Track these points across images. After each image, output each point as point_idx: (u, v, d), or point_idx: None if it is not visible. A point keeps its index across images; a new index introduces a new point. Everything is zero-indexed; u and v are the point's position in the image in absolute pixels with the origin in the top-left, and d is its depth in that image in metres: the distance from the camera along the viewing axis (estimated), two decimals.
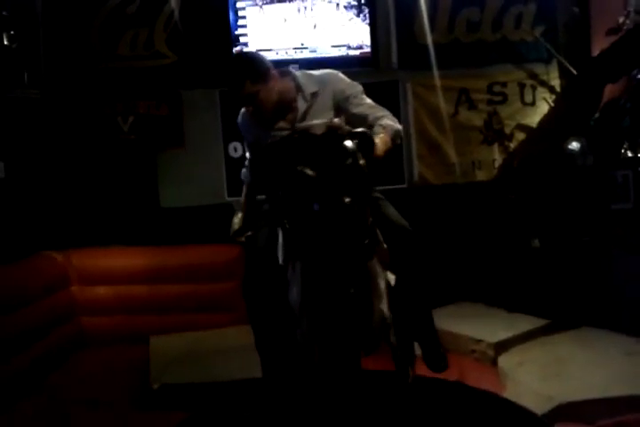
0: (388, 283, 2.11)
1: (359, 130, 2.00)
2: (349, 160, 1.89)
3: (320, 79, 2.47)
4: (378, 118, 2.35)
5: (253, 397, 2.61)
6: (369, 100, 2.46)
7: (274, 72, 2.44)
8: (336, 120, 2.06)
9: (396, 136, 2.32)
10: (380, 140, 2.13)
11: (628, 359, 2.98)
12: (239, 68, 2.46)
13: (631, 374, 2.81)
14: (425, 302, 2.47)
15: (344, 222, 1.87)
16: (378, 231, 2.12)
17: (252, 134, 2.64)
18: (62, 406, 2.78)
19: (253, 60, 2.49)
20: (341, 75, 2.49)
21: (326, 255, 1.91)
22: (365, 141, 1.97)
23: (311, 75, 2.51)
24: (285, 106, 2.46)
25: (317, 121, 2.06)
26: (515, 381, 2.95)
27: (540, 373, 2.95)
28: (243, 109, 2.65)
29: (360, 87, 2.48)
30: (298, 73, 2.52)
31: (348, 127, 2.01)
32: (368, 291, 2.04)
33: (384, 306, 2.07)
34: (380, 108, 2.44)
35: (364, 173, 1.91)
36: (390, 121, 2.35)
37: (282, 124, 2.48)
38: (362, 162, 1.90)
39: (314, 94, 2.44)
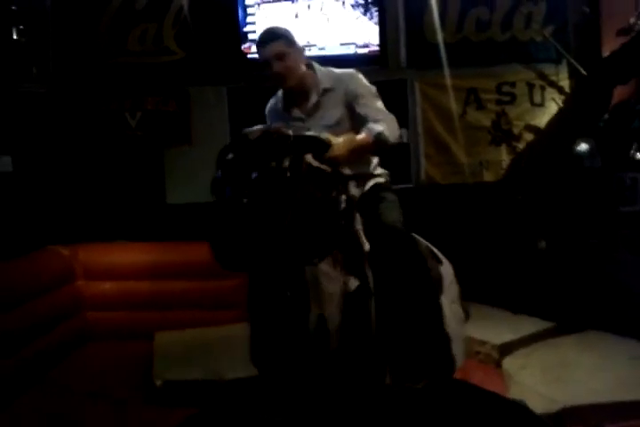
0: (344, 288, 2.11)
1: (308, 134, 2.08)
2: (273, 163, 1.92)
3: (337, 77, 2.48)
4: (375, 121, 2.35)
5: (256, 394, 2.61)
6: (377, 104, 2.45)
7: (300, 47, 2.49)
8: (274, 125, 2.15)
9: (378, 139, 2.29)
10: (343, 142, 2.17)
11: (634, 364, 2.96)
12: (278, 28, 2.50)
13: (636, 378, 2.79)
14: (412, 309, 2.30)
15: (267, 227, 1.86)
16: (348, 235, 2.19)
17: (272, 121, 2.63)
18: (66, 400, 2.80)
19: (290, 31, 2.50)
20: (359, 76, 2.49)
21: (263, 261, 1.93)
22: (311, 145, 2.02)
23: (330, 71, 2.52)
24: (302, 89, 2.49)
25: (258, 126, 2.09)
26: (519, 383, 2.93)
27: (545, 376, 2.94)
28: (271, 100, 2.66)
29: (372, 89, 2.48)
30: (319, 68, 2.53)
31: (288, 132, 2.02)
32: (306, 294, 2.04)
33: (329, 311, 2.07)
34: (385, 112, 2.42)
35: (287, 176, 1.92)
36: (381, 126, 2.31)
37: (296, 111, 2.51)
38: (286, 164, 1.92)
39: (326, 90, 2.46)
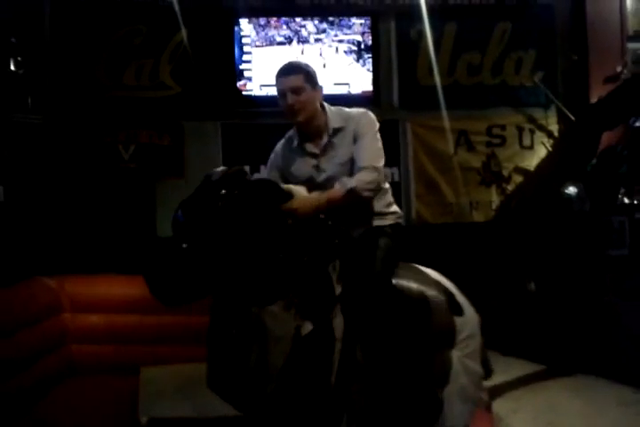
0: (295, 332, 2.08)
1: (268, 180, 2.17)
2: (220, 203, 1.99)
3: (347, 116, 2.49)
4: (358, 169, 2.38)
5: None
6: (374, 146, 2.43)
7: (320, 87, 2.51)
8: (235, 167, 2.17)
9: (350, 195, 2.31)
10: (309, 198, 2.26)
11: (622, 410, 2.96)
12: (301, 62, 2.58)
13: (625, 424, 2.78)
14: (386, 363, 2.24)
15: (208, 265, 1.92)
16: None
17: (285, 159, 2.60)
18: None
19: (312, 67, 2.52)
20: (368, 115, 2.49)
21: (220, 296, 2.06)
22: (268, 191, 2.08)
23: (340, 111, 2.53)
24: (314, 127, 2.49)
25: (220, 168, 2.18)
26: None
27: (535, 421, 2.92)
28: (282, 141, 2.65)
29: (371, 129, 2.46)
30: (329, 108, 2.54)
31: (248, 176, 2.14)
32: (248, 334, 2.06)
33: (271, 354, 2.05)
34: (373, 157, 2.40)
35: (235, 217, 1.97)
36: (355, 180, 2.34)
37: (310, 146, 2.51)
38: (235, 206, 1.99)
39: (337, 129, 2.47)
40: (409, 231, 4.51)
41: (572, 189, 4.17)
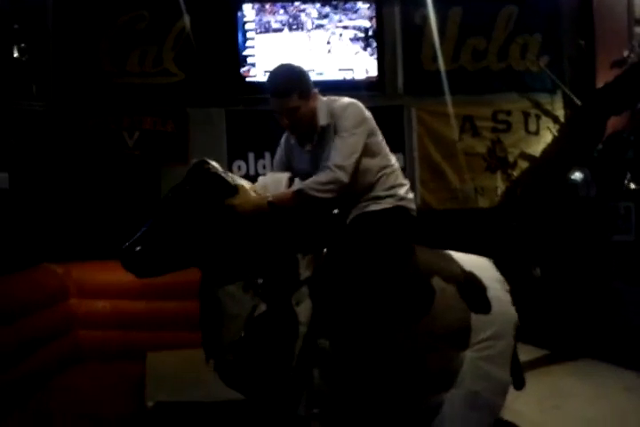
0: (252, 311, 2.20)
1: (224, 175, 2.26)
2: (169, 195, 2.30)
3: (332, 112, 2.41)
4: (320, 169, 2.34)
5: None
6: (345, 141, 2.33)
7: (315, 91, 2.43)
8: (194, 161, 2.32)
9: (297, 196, 2.29)
10: (253, 197, 2.26)
11: (628, 394, 2.96)
12: (292, 79, 2.41)
13: (630, 409, 2.78)
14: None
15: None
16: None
17: (287, 152, 2.59)
18: (56, 421, 2.75)
19: (305, 75, 2.45)
20: (349, 108, 2.38)
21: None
22: (216, 185, 2.24)
23: (329, 105, 2.44)
24: (307, 128, 2.45)
25: (194, 160, 2.34)
26: (514, 411, 2.91)
27: (539, 404, 2.92)
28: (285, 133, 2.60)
29: (350, 123, 2.35)
30: (321, 103, 2.45)
31: (214, 169, 2.26)
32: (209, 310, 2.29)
33: (226, 330, 2.22)
34: (341, 154, 2.31)
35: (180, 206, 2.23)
36: (311, 180, 2.30)
37: (308, 145, 2.48)
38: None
39: (323, 127, 2.41)
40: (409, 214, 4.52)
41: (577, 175, 4.15)
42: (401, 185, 2.46)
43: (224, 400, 2.83)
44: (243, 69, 4.60)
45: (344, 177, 2.28)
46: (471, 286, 2.34)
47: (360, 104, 2.41)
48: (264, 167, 4.58)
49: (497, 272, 2.47)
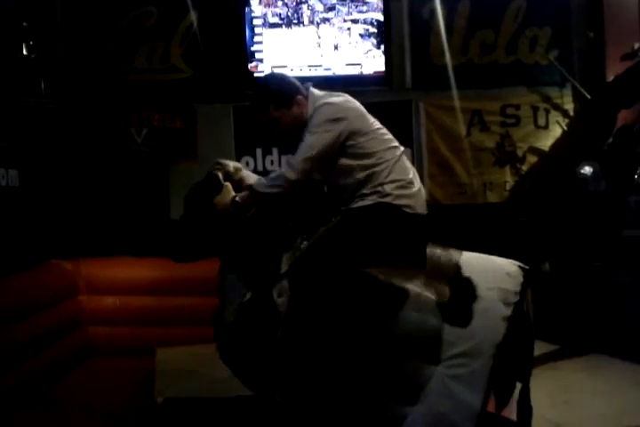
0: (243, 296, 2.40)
1: (219, 173, 2.48)
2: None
3: (313, 110, 2.42)
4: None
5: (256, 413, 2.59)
6: (305, 140, 2.36)
7: (299, 97, 2.44)
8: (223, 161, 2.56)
9: (252, 193, 2.41)
10: (222, 197, 2.42)
11: (638, 389, 2.94)
12: (264, 92, 2.47)
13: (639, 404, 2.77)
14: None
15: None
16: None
17: None
18: (66, 417, 2.76)
19: (278, 84, 2.47)
20: (321, 108, 2.37)
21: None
22: (211, 182, 2.48)
23: (315, 104, 2.43)
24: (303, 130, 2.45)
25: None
26: None
27: (548, 399, 2.91)
28: None
29: (314, 123, 2.36)
30: (316, 97, 2.45)
31: (217, 169, 2.51)
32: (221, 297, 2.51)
33: (226, 313, 2.43)
34: (298, 152, 2.34)
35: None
36: (266, 177, 2.43)
37: None
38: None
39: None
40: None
41: (587, 169, 4.12)
42: (392, 181, 2.36)
43: (233, 396, 2.84)
44: (250, 65, 4.60)
45: (290, 174, 2.32)
46: (456, 293, 2.18)
47: (340, 104, 2.38)
48: (272, 163, 4.59)
49: (512, 282, 2.22)
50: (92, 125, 4.43)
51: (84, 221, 4.26)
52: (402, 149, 2.48)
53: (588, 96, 4.52)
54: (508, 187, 4.72)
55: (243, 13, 4.57)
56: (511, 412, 2.35)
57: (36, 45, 4.06)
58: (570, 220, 4.03)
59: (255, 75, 4.58)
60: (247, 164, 4.56)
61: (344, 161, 2.38)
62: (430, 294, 2.18)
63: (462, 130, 4.72)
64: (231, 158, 4.45)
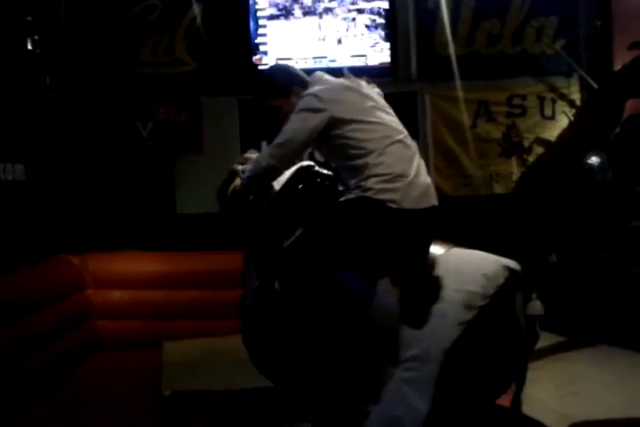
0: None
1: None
2: None
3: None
4: None
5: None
6: (285, 128, 2.35)
7: (296, 88, 2.45)
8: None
9: (242, 180, 2.46)
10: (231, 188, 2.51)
11: None
12: (262, 83, 2.54)
13: None
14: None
15: None
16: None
17: None
18: (75, 410, 2.79)
19: (276, 75, 2.53)
20: (303, 98, 2.35)
21: None
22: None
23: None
24: None
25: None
26: (530, 397, 2.89)
27: (556, 390, 2.91)
28: None
29: (300, 104, 2.34)
30: (312, 83, 2.46)
31: (243, 161, 2.57)
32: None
33: (246, 296, 2.52)
34: (277, 141, 2.33)
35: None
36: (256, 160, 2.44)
37: None
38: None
39: None
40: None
41: (594, 159, 4.09)
42: (376, 175, 2.26)
43: (241, 389, 2.85)
44: (255, 57, 4.58)
45: (262, 159, 2.34)
46: (419, 294, 2.11)
47: (324, 94, 2.33)
48: None
49: (486, 284, 2.08)
50: (97, 120, 4.43)
51: (91, 215, 4.27)
52: (399, 137, 2.34)
53: (595, 86, 4.48)
54: (514, 178, 4.69)
55: (247, 6, 4.54)
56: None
57: (41, 40, 4.06)
58: (577, 211, 4.01)
59: (259, 67, 4.56)
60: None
61: (334, 151, 2.37)
62: (393, 294, 2.15)
63: (468, 121, 4.69)
64: (236, 152, 4.52)
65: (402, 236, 2.23)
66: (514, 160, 4.70)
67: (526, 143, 4.71)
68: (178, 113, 4.55)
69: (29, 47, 4.01)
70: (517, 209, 4.36)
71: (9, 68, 3.72)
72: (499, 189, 4.70)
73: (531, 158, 4.68)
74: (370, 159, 2.27)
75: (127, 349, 3.54)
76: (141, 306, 3.68)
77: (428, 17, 4.69)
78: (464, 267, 2.17)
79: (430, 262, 2.20)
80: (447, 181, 4.68)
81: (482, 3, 4.69)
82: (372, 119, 2.34)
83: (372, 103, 2.39)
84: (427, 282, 2.14)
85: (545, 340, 3.56)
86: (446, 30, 4.65)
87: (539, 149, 4.68)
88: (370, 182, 2.25)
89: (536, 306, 2.16)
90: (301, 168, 2.52)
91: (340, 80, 2.47)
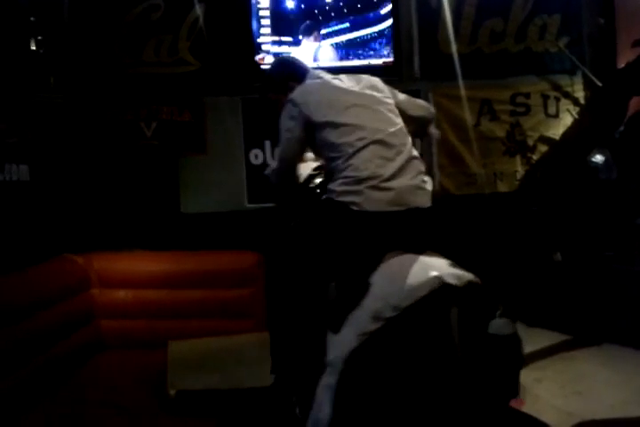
0: None
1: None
2: None
3: None
4: None
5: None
6: (280, 131, 2.48)
7: (292, 84, 2.51)
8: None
9: None
10: None
11: None
12: (265, 79, 2.73)
13: None
14: None
15: None
16: None
17: None
18: (80, 409, 2.79)
19: (273, 71, 2.67)
20: (286, 106, 2.40)
21: None
22: None
23: None
24: None
25: None
26: (534, 396, 2.90)
27: (561, 389, 2.91)
28: None
29: (284, 111, 2.42)
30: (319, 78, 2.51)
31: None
32: None
33: None
34: (278, 144, 2.48)
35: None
36: None
37: None
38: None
39: None
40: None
41: (598, 158, 4.08)
42: (343, 178, 2.24)
43: (246, 388, 2.86)
44: (257, 57, 4.58)
45: (272, 162, 2.56)
46: (347, 298, 2.05)
47: (297, 99, 2.37)
48: None
49: (403, 295, 1.94)
50: (101, 120, 4.43)
51: (95, 215, 4.27)
52: (377, 137, 2.27)
53: (599, 84, 4.47)
54: (518, 176, 4.69)
55: (249, 5, 4.54)
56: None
57: (45, 40, 4.06)
58: (581, 209, 4.00)
59: (262, 66, 4.56)
60: (256, 156, 4.56)
61: (317, 153, 2.47)
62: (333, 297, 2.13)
63: (472, 119, 4.68)
64: (240, 151, 4.53)
65: (360, 238, 2.16)
66: (518, 159, 4.70)
67: (530, 142, 4.70)
68: (181, 113, 4.55)
69: (33, 47, 4.01)
70: (522, 208, 4.36)
71: (13, 68, 3.72)
72: (503, 187, 4.69)
73: (535, 157, 4.67)
74: (340, 162, 2.25)
75: (132, 348, 3.54)
76: (146, 305, 3.69)
77: (431, 15, 4.68)
78: (397, 275, 2.03)
79: (375, 268, 2.08)
80: (451, 180, 4.68)
81: (484, 1, 4.68)
82: (347, 120, 2.30)
83: (353, 100, 2.36)
84: (359, 288, 2.04)
85: (550, 339, 3.59)
86: (449, 29, 4.64)
87: (543, 148, 4.67)
88: (335, 185, 2.24)
89: (499, 325, 1.92)
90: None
91: (325, 78, 2.48)
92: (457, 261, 2.10)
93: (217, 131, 4.54)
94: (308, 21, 4.54)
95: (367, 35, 4.60)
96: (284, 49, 4.55)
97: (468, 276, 1.99)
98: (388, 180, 2.20)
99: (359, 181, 2.19)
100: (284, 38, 4.56)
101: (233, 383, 2.91)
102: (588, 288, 3.69)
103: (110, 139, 4.43)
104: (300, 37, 4.55)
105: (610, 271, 3.67)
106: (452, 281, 1.95)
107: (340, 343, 1.97)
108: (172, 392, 2.85)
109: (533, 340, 3.54)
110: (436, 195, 4.26)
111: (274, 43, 4.56)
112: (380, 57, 4.60)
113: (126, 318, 3.68)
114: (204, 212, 4.42)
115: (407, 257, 2.07)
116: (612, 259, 3.73)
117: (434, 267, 2.01)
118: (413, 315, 1.91)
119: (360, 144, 2.25)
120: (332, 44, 4.59)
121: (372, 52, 4.60)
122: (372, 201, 2.17)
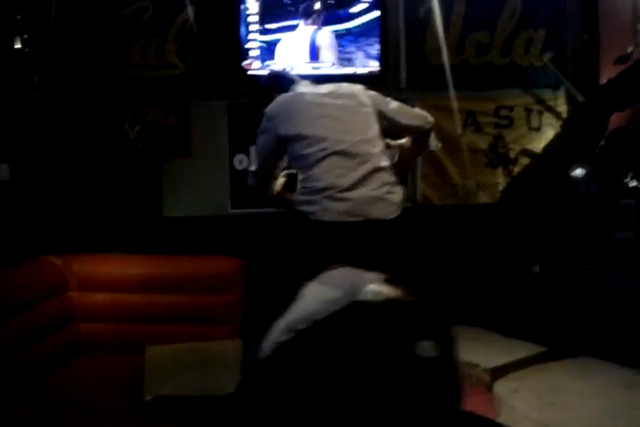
0: None
1: None
2: None
3: None
4: None
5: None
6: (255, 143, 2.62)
7: (276, 95, 2.58)
8: None
9: None
10: None
11: (626, 392, 2.95)
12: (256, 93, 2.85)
13: (628, 407, 2.78)
14: None
15: None
16: None
17: None
18: (55, 413, 2.76)
19: (262, 83, 2.87)
20: (264, 116, 2.51)
21: None
22: None
23: None
24: None
25: None
26: (510, 407, 2.93)
27: (536, 401, 2.93)
28: None
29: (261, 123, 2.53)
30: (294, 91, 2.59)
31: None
32: None
33: None
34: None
35: None
36: None
37: None
38: None
39: None
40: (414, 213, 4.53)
41: (579, 171, 4.14)
42: (303, 188, 2.32)
43: (223, 395, 2.84)
44: (244, 62, 4.58)
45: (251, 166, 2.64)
46: (278, 308, 2.04)
47: (271, 112, 2.47)
48: None
49: (322, 308, 1.88)
50: (85, 120, 4.40)
51: (76, 216, 4.24)
52: (339, 147, 2.31)
53: (581, 99, 4.54)
54: (500, 188, 4.74)
55: (238, 10, 4.54)
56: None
57: (30, 39, 4.03)
58: (561, 222, 4.05)
59: (249, 72, 4.56)
60: (240, 162, 4.55)
61: (290, 164, 2.52)
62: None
63: (456, 131, 4.72)
64: (224, 156, 4.52)
65: (311, 247, 2.21)
66: (500, 170, 4.74)
67: (512, 154, 4.75)
68: (166, 116, 4.53)
69: (18, 46, 3.97)
70: (503, 219, 4.40)
71: None
72: (484, 198, 4.74)
73: (516, 169, 4.73)
74: (303, 173, 2.33)
75: (110, 352, 3.50)
76: (125, 309, 3.64)
77: (419, 26, 4.72)
78: (322, 288, 1.98)
79: (311, 278, 2.04)
80: (433, 190, 4.71)
81: (472, 13, 4.73)
82: (313, 133, 2.35)
83: (323, 112, 2.41)
84: (288, 298, 2.02)
85: (527, 350, 3.62)
86: (436, 40, 4.68)
87: (524, 160, 4.72)
88: (297, 195, 2.34)
89: (425, 347, 1.84)
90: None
91: (300, 90, 2.55)
92: (411, 275, 2.03)
93: (202, 135, 4.53)
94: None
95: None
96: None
97: (390, 293, 1.87)
98: (347, 190, 2.24)
99: (317, 191, 2.26)
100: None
101: (210, 390, 2.90)
102: (565, 301, 3.72)
103: (94, 140, 4.40)
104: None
105: (588, 284, 3.72)
106: (368, 297, 1.85)
107: (260, 351, 1.95)
108: (149, 398, 2.83)
109: (510, 350, 3.59)
110: (418, 205, 4.31)
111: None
112: (365, 66, 4.63)
113: (105, 321, 3.63)
114: (186, 216, 4.40)
115: (341, 270, 2.02)
116: (590, 272, 3.78)
117: (357, 281, 1.92)
118: (324, 329, 1.85)
119: (321, 155, 2.30)
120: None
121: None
122: (329, 211, 2.22)
